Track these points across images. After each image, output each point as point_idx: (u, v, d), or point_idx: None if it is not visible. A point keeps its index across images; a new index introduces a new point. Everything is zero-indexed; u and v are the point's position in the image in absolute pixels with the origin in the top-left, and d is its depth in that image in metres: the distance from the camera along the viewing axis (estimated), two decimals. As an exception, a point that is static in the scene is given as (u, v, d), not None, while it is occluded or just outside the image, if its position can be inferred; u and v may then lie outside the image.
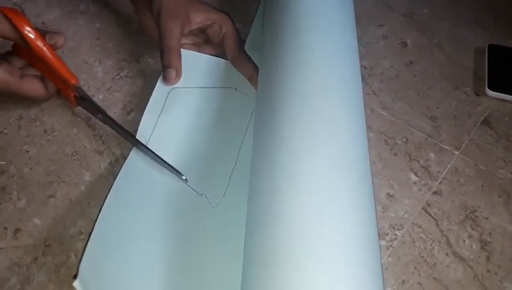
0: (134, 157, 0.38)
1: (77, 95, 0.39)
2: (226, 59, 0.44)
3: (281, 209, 0.27)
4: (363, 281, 0.26)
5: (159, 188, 0.36)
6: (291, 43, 0.35)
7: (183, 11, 0.42)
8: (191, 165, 0.37)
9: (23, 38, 0.36)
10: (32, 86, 0.39)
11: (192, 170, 0.37)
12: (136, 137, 0.39)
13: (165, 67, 0.40)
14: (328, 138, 0.30)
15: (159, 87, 0.41)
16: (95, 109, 0.40)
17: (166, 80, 0.40)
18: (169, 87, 0.41)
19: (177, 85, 0.41)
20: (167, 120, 0.40)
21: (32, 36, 0.36)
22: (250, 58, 0.42)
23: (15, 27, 0.36)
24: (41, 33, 0.38)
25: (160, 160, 0.37)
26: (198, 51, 0.44)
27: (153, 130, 0.39)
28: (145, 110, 0.40)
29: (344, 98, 0.33)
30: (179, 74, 0.41)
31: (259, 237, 0.28)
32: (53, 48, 0.38)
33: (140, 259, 0.33)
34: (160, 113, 0.40)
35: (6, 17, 0.36)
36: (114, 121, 0.39)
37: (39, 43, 0.37)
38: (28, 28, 0.36)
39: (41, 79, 0.40)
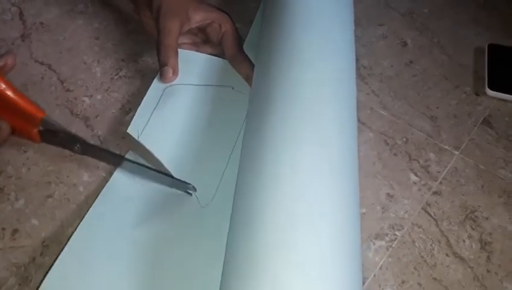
0: (119, 177, 0.37)
1: (41, 129, 0.35)
2: (224, 58, 0.44)
3: (261, 210, 0.27)
4: (342, 282, 0.26)
5: (147, 197, 0.36)
6: (284, 43, 0.35)
7: (183, 10, 0.41)
8: (181, 163, 0.37)
9: None
10: None
11: (183, 168, 0.36)
12: (128, 131, 0.38)
13: (162, 66, 0.40)
14: (314, 138, 0.30)
15: (155, 84, 0.41)
16: (70, 139, 0.35)
17: (162, 78, 0.40)
18: (165, 85, 0.41)
19: (173, 82, 0.41)
20: (161, 117, 0.39)
21: None
22: (248, 57, 0.42)
23: None
24: None
25: (157, 174, 0.36)
26: (197, 50, 0.44)
27: (145, 126, 0.38)
28: (140, 106, 0.39)
29: (335, 98, 0.33)
30: (175, 73, 0.40)
31: (239, 237, 0.28)
32: (4, 71, 0.35)
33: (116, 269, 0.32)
34: (154, 109, 0.39)
35: None
36: (96, 147, 0.37)
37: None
38: None
39: None
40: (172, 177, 0.36)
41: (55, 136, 0.35)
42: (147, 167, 0.37)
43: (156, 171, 0.36)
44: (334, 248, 0.26)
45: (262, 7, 0.48)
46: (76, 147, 0.35)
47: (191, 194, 0.36)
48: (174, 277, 0.32)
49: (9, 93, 0.32)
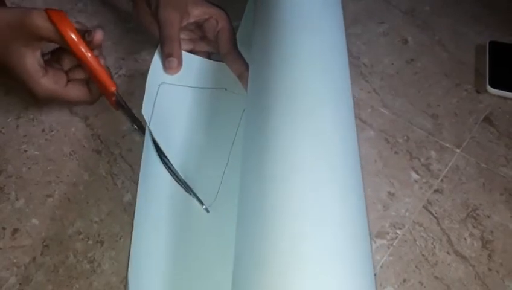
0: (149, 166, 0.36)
1: (114, 99, 0.39)
2: (218, 60, 0.43)
3: (268, 210, 0.27)
4: (353, 280, 0.25)
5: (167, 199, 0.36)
6: (280, 42, 0.35)
7: (182, 3, 0.42)
8: (182, 166, 0.36)
9: (66, 43, 0.35)
10: (77, 92, 0.39)
11: (183, 171, 0.36)
12: (142, 112, 0.37)
13: (167, 56, 0.40)
14: (316, 137, 0.30)
15: (150, 79, 0.40)
16: (130, 118, 0.39)
17: (168, 69, 0.40)
18: (159, 81, 0.40)
19: (167, 81, 0.41)
20: (157, 121, 0.38)
21: (75, 41, 0.35)
22: (242, 55, 0.42)
23: (59, 31, 0.34)
24: (81, 33, 0.36)
25: (180, 182, 0.36)
26: (194, 47, 0.44)
27: (151, 117, 0.38)
28: (143, 100, 0.38)
29: (333, 96, 0.32)
30: (180, 63, 0.41)
31: (247, 238, 0.28)
32: (92, 45, 0.37)
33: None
34: (154, 105, 0.39)
35: (51, 19, 0.34)
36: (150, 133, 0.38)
37: (82, 48, 0.35)
38: (71, 34, 0.35)
39: (87, 83, 0.39)
40: (191, 191, 0.35)
41: (123, 108, 0.39)
42: (171, 172, 0.36)
43: (176, 178, 0.36)
44: (345, 245, 0.26)
45: (251, 3, 0.47)
46: (134, 127, 0.39)
47: (204, 208, 0.35)
48: (185, 278, 0.32)
49: (95, 65, 0.36)
